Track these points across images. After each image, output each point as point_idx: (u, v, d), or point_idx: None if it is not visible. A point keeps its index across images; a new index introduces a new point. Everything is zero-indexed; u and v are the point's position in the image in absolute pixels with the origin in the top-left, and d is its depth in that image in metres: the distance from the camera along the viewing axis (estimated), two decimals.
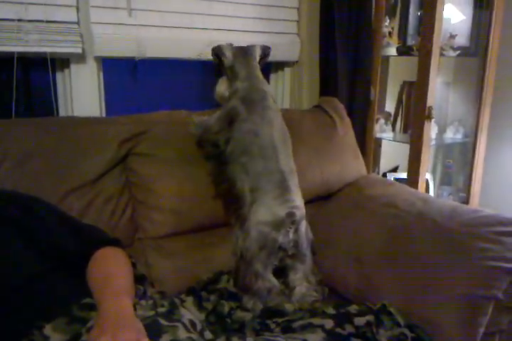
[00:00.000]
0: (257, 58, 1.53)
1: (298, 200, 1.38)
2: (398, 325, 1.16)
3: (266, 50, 1.56)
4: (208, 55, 1.58)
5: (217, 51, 1.50)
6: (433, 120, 1.94)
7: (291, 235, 1.32)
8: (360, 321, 1.13)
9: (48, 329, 0.92)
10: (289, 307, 1.27)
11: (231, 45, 1.53)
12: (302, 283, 1.36)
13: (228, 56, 1.48)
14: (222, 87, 1.50)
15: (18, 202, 1.11)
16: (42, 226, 1.09)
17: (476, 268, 1.16)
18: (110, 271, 1.07)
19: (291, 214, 1.32)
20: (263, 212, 1.33)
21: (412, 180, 2.01)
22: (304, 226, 1.39)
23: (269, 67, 2.25)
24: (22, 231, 1.06)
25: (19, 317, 0.96)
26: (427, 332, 1.15)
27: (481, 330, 1.11)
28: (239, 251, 1.34)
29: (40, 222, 1.10)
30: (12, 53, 1.54)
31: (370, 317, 1.15)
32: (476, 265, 1.17)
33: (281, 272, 1.39)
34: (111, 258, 1.13)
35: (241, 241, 1.34)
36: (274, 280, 1.33)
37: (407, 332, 1.13)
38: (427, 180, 2.14)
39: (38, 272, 1.02)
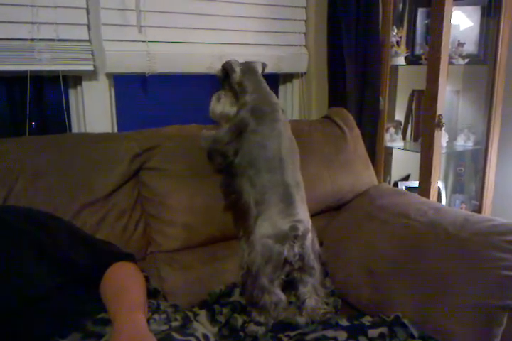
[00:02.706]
0: (259, 73, 1.54)
1: (301, 214, 1.37)
2: (412, 336, 1.15)
3: (264, 66, 1.58)
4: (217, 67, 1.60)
5: (227, 67, 1.51)
6: (443, 128, 1.93)
7: (296, 249, 1.31)
8: (373, 333, 1.14)
9: None
10: (301, 320, 1.27)
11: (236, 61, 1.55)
12: (312, 296, 1.35)
13: (237, 71, 1.50)
14: (226, 106, 1.51)
15: (32, 218, 1.13)
16: (55, 242, 1.10)
17: (490, 278, 1.16)
18: (124, 286, 1.08)
19: (294, 228, 1.31)
20: (267, 226, 1.32)
21: (424, 188, 2.00)
22: (309, 239, 1.37)
23: (277, 79, 2.27)
24: (36, 246, 1.07)
25: (33, 330, 0.98)
26: None
27: None
28: (245, 265, 1.34)
29: (54, 237, 1.11)
30: (25, 72, 1.57)
31: (383, 329, 1.15)
32: (489, 274, 1.16)
33: (292, 285, 1.38)
34: (124, 273, 1.14)
35: (247, 255, 1.34)
36: (280, 294, 1.31)
37: None
38: (438, 189, 2.13)
39: (51, 286, 1.03)
